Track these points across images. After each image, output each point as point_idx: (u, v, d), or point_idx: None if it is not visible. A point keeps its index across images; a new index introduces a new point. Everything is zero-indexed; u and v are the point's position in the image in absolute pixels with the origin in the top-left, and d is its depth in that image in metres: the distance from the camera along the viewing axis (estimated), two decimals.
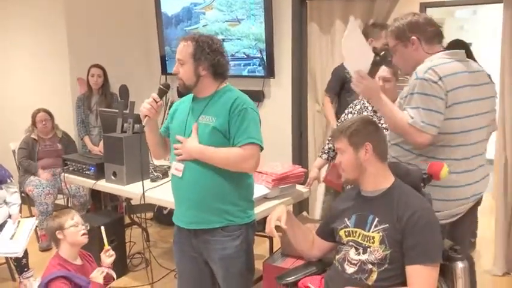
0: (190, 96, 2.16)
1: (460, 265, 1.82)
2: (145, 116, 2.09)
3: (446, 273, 1.83)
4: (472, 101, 2.00)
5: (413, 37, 2.04)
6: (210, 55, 2.02)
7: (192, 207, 2.09)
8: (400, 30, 2.07)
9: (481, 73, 2.11)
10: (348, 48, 2.06)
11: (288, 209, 2.02)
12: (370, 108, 2.61)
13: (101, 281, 2.34)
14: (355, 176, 1.88)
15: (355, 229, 1.86)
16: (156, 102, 2.08)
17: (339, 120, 2.81)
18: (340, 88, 3.60)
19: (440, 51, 2.06)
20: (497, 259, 3.40)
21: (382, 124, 2.39)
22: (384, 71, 2.50)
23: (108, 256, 2.47)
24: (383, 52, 2.00)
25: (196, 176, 2.05)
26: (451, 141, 1.99)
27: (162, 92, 2.14)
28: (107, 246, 2.49)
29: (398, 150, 2.08)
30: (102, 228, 2.48)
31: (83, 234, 2.41)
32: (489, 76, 2.15)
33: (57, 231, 2.37)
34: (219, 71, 2.06)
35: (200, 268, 2.20)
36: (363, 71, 1.98)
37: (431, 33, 2.06)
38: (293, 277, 2.04)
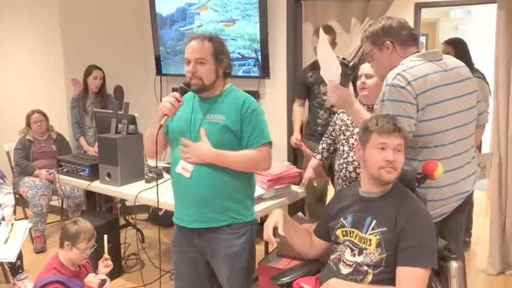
0: (190, 95, 2.14)
1: (454, 265, 1.82)
2: (165, 115, 2.01)
3: (440, 273, 1.84)
4: (448, 100, 2.00)
5: (387, 41, 2.06)
6: (226, 55, 2.08)
7: (197, 206, 2.08)
8: (374, 35, 2.08)
9: (459, 69, 2.09)
10: (321, 58, 2.12)
11: (283, 212, 2.02)
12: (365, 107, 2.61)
13: (95, 286, 2.35)
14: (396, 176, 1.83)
15: (352, 229, 1.85)
16: (178, 102, 2.02)
17: (332, 121, 2.80)
18: (307, 92, 3.69)
19: (414, 53, 2.06)
20: (491, 258, 3.41)
21: None
22: (365, 68, 2.52)
23: (105, 266, 2.48)
24: (352, 63, 2.03)
25: (205, 174, 2.04)
26: (428, 143, 2.00)
27: (184, 91, 2.07)
28: (106, 255, 2.48)
29: None
30: (105, 237, 2.48)
31: (84, 258, 2.46)
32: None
33: (66, 242, 2.38)
34: (228, 71, 2.10)
35: (199, 270, 2.20)
36: (335, 82, 2.02)
37: (405, 37, 2.06)
38: (288, 277, 2.04)
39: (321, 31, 2.11)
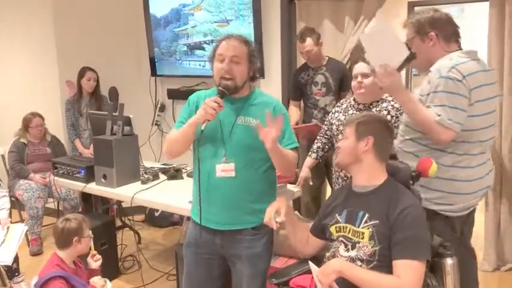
0: (211, 93, 2.11)
1: (449, 261, 1.83)
2: (206, 120, 1.97)
3: (436, 270, 1.85)
4: (488, 100, 2.04)
5: (431, 33, 2.06)
6: (258, 58, 2.10)
7: (229, 208, 2.06)
8: (420, 24, 2.08)
9: (492, 72, 2.15)
10: (374, 41, 2.03)
11: (288, 203, 2.04)
12: (356, 106, 2.63)
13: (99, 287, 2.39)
14: (348, 163, 1.91)
15: (346, 225, 1.87)
16: (220, 106, 1.98)
17: (326, 120, 2.83)
18: (300, 93, 3.73)
19: (456, 50, 2.07)
20: (487, 255, 3.43)
21: None
22: (361, 67, 2.54)
23: (95, 260, 2.52)
24: (412, 49, 2.00)
25: (245, 177, 2.03)
26: (470, 137, 2.02)
27: (223, 95, 2.02)
28: (93, 251, 2.52)
29: (414, 145, 2.10)
30: (89, 232, 2.50)
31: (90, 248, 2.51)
32: None
33: (75, 238, 2.40)
34: (256, 74, 2.12)
35: (210, 272, 2.18)
36: (391, 66, 1.96)
37: (450, 32, 2.08)
38: (284, 277, 2.05)
39: (378, 13, 2.03)
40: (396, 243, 1.72)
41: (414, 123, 2.06)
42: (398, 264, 1.70)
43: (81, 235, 2.42)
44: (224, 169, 2.04)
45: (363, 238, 1.79)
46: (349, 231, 1.84)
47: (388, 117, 2.49)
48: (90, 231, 2.49)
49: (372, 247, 1.76)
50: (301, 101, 3.80)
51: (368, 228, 1.79)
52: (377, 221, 1.78)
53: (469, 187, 2.07)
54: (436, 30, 2.06)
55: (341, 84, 3.60)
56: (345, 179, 2.55)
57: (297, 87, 3.74)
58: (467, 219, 2.19)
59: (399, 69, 1.98)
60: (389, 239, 1.74)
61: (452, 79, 1.93)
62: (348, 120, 2.00)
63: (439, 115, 1.92)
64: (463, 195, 2.06)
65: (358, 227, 1.82)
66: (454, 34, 2.10)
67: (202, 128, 1.97)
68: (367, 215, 1.81)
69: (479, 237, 3.79)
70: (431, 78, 1.99)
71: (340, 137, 2.60)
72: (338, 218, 1.91)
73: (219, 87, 2.01)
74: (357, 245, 1.80)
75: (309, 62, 3.62)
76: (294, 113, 3.79)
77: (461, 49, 2.10)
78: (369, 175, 1.88)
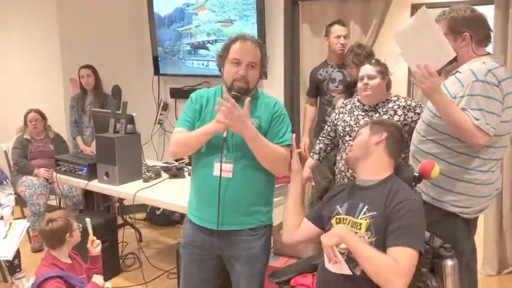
0: (216, 93, 2.11)
1: (449, 263, 1.83)
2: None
3: (436, 271, 1.85)
4: None
5: (466, 33, 2.00)
6: (268, 62, 2.10)
7: (227, 209, 2.03)
8: (456, 22, 2.01)
9: None
10: (411, 38, 1.95)
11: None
12: (361, 107, 2.63)
13: (100, 283, 2.42)
14: (358, 157, 1.94)
15: (346, 216, 1.87)
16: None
17: (329, 121, 2.83)
18: (317, 90, 3.73)
19: (486, 54, 2.04)
20: (487, 259, 3.43)
21: None
22: (367, 69, 2.55)
23: (94, 246, 2.53)
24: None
25: (244, 177, 2.02)
26: (495, 143, 2.01)
27: (238, 99, 1.99)
28: (91, 237, 2.53)
29: (437, 147, 2.06)
30: (88, 220, 2.53)
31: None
32: None
33: (67, 234, 2.40)
34: (262, 76, 2.12)
35: (207, 273, 2.18)
36: (433, 67, 1.89)
37: (483, 35, 2.03)
38: (285, 276, 2.06)
39: (423, 9, 1.92)
40: (391, 232, 1.71)
41: (451, 127, 1.97)
42: (393, 251, 1.68)
43: (72, 229, 2.42)
44: (223, 169, 2.02)
45: (360, 229, 1.79)
46: (349, 222, 1.84)
47: (396, 117, 2.50)
48: (76, 223, 2.49)
49: (368, 238, 1.76)
50: (316, 99, 3.79)
51: (366, 220, 1.79)
52: (375, 213, 1.78)
53: (487, 190, 2.07)
54: (470, 31, 2.00)
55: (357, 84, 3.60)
56: (351, 179, 2.55)
57: (314, 84, 3.73)
58: (475, 220, 2.19)
59: (440, 70, 1.93)
60: (386, 230, 1.74)
61: (489, 83, 1.90)
62: (362, 123, 2.04)
63: (477, 119, 1.89)
64: (481, 198, 2.06)
65: (357, 218, 1.82)
66: (486, 38, 2.05)
67: (224, 135, 1.98)
68: (366, 207, 1.82)
69: (478, 241, 3.80)
70: (465, 80, 1.94)
71: (347, 138, 2.61)
72: (339, 209, 1.90)
73: (234, 93, 1.99)
74: None
75: (337, 54, 3.60)
76: (310, 110, 3.80)
77: (489, 53, 2.06)
78: (375, 170, 1.89)
